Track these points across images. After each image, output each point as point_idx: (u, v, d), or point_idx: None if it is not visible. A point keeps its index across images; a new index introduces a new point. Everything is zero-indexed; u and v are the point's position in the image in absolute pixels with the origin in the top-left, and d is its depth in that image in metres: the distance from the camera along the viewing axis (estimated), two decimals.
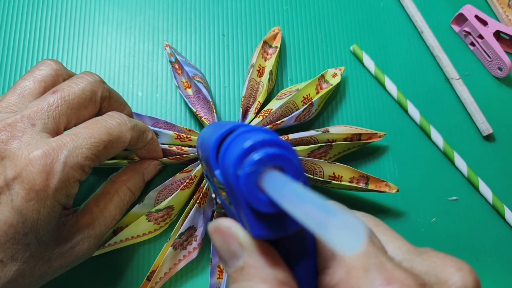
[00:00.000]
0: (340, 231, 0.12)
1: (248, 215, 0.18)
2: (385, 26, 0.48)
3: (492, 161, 0.44)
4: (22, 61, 0.43)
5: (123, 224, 0.38)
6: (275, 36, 0.44)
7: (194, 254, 0.37)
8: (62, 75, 0.32)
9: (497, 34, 0.47)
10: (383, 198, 0.42)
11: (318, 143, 0.39)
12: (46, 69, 0.31)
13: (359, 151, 0.42)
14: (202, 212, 0.37)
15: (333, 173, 0.38)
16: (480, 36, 0.46)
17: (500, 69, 0.46)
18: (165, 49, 0.44)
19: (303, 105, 0.41)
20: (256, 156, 0.17)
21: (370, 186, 0.39)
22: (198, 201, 0.36)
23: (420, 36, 0.47)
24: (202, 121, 0.39)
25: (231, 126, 0.20)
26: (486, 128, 0.44)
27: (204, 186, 0.36)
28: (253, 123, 0.38)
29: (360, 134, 0.40)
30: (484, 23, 0.46)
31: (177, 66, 0.43)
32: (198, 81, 0.39)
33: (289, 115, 0.40)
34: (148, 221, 0.37)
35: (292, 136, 0.38)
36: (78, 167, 0.27)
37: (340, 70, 0.43)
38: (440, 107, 0.45)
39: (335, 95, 0.44)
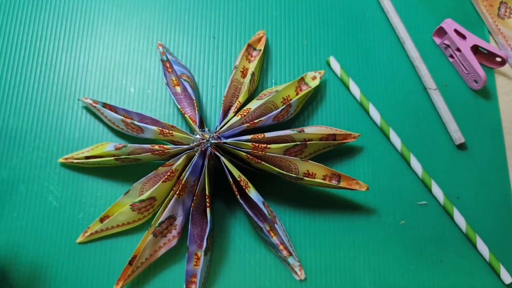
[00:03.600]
0: None
1: None
2: (368, 36, 0.50)
3: (462, 169, 0.46)
4: (22, 58, 0.46)
5: (109, 213, 0.41)
6: (259, 39, 0.46)
7: (174, 242, 0.40)
8: None
9: (476, 48, 0.48)
10: (356, 197, 0.44)
11: (294, 142, 0.41)
12: None
13: (335, 152, 0.45)
14: (181, 203, 0.39)
15: (307, 171, 0.40)
16: (458, 49, 0.48)
17: (476, 81, 0.47)
18: (158, 48, 0.46)
19: (282, 106, 0.43)
20: None
21: (342, 184, 0.41)
22: (177, 192, 0.38)
23: (402, 46, 0.49)
24: (186, 118, 0.41)
25: None
26: (458, 137, 0.45)
27: (183, 179, 0.38)
28: (231, 122, 0.40)
29: (335, 135, 0.42)
30: (463, 37, 0.48)
31: (168, 65, 0.45)
32: (184, 80, 0.42)
33: (266, 114, 0.42)
34: (132, 210, 0.40)
35: (268, 134, 0.40)
36: None
37: (319, 73, 0.46)
38: (417, 115, 0.47)
39: (314, 98, 0.47)
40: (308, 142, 0.41)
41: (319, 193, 0.43)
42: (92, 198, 0.42)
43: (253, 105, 0.42)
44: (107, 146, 0.41)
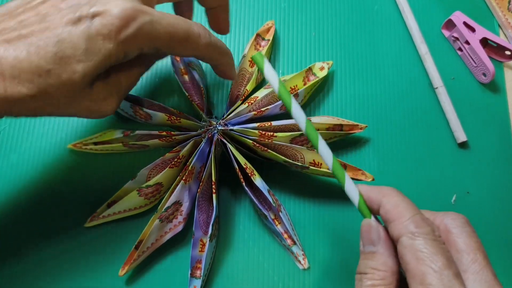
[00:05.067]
0: None
1: None
2: (376, 28, 0.50)
3: (470, 163, 0.46)
4: None
5: (116, 198, 0.41)
6: (268, 29, 0.47)
7: (179, 228, 0.40)
8: None
9: (485, 41, 0.48)
10: None
11: (301, 131, 0.41)
12: None
13: (341, 143, 0.45)
14: (187, 189, 0.39)
15: (313, 160, 0.41)
16: (467, 42, 0.48)
17: (484, 74, 0.47)
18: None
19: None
20: None
21: (348, 174, 0.41)
22: (184, 178, 0.38)
23: (410, 39, 0.49)
24: (194, 105, 0.41)
25: None
26: (460, 136, 0.46)
27: (190, 165, 0.38)
28: (238, 109, 0.41)
29: (342, 125, 0.43)
30: (472, 29, 0.48)
31: None
32: (192, 68, 0.42)
33: (273, 103, 0.42)
34: (139, 196, 0.40)
35: (275, 123, 0.40)
36: (147, 37, 0.30)
37: (327, 64, 0.46)
38: (423, 109, 0.47)
39: (322, 88, 0.47)
40: None
41: (325, 182, 0.44)
42: (99, 183, 0.43)
43: (261, 93, 0.42)
44: (116, 132, 0.42)
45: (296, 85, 0.44)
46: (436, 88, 0.47)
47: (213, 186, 0.39)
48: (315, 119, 0.42)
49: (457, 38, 0.49)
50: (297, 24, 0.49)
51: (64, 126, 0.44)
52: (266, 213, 0.39)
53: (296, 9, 0.50)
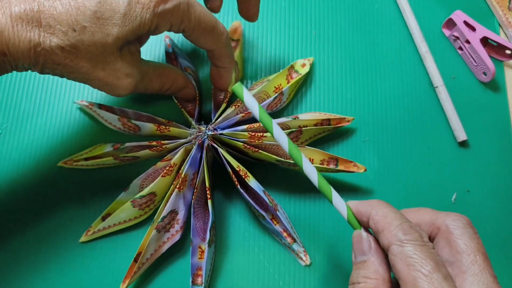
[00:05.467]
0: None
1: None
2: (377, 27, 0.50)
3: (469, 162, 0.46)
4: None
5: (110, 211, 0.41)
6: (235, 30, 0.47)
7: (177, 237, 0.40)
8: None
9: (485, 40, 0.48)
10: (360, 183, 0.44)
11: (290, 129, 0.41)
12: None
13: (341, 143, 0.45)
14: (182, 197, 0.39)
15: None
16: (468, 41, 0.48)
17: (485, 74, 0.47)
18: (165, 40, 0.46)
19: (273, 93, 0.43)
20: None
21: (340, 167, 0.41)
22: (178, 186, 0.38)
23: (410, 38, 0.49)
24: (183, 112, 0.41)
25: None
26: (461, 135, 0.46)
27: (182, 172, 0.38)
28: (226, 113, 0.41)
29: (329, 119, 0.43)
30: (473, 28, 0.48)
31: (172, 57, 0.45)
32: (189, 73, 0.43)
33: (261, 104, 0.42)
34: (133, 207, 0.40)
35: None
36: (180, 17, 0.32)
37: (309, 60, 0.46)
38: (423, 108, 0.47)
39: (322, 87, 0.47)
40: (303, 129, 0.41)
41: (329, 180, 0.43)
42: (92, 197, 0.42)
43: None
44: (106, 146, 0.41)
45: (280, 84, 0.44)
46: (436, 87, 0.47)
47: (208, 192, 0.38)
48: (302, 116, 0.42)
49: (457, 37, 0.49)
50: (298, 23, 0.49)
51: (54, 144, 0.44)
52: (263, 213, 0.39)
53: (297, 8, 0.50)
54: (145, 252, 0.38)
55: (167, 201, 0.38)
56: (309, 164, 0.32)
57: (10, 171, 0.43)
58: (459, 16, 0.48)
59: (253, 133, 0.39)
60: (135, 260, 0.38)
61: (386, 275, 0.28)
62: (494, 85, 0.49)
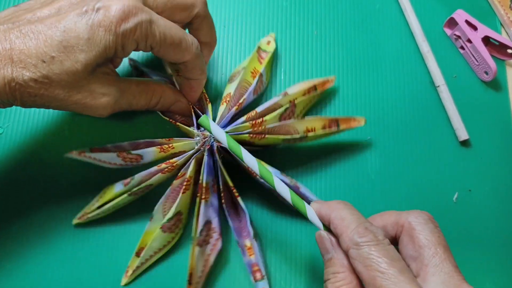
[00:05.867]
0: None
1: None
2: (378, 27, 0.50)
3: (470, 161, 0.47)
4: None
5: (142, 245, 0.40)
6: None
7: (219, 244, 0.40)
8: None
9: (487, 39, 0.49)
10: (363, 186, 0.45)
11: (282, 106, 0.42)
12: None
13: (342, 143, 0.46)
14: (210, 205, 0.39)
15: (306, 128, 0.42)
16: (469, 40, 0.48)
17: (486, 73, 0.48)
18: (129, 63, 0.46)
19: (253, 79, 0.44)
20: None
21: (342, 127, 0.43)
22: (203, 197, 0.38)
23: (412, 38, 0.50)
24: (179, 126, 0.41)
25: None
26: (462, 134, 0.46)
27: (203, 182, 0.38)
28: (220, 112, 0.41)
29: (315, 86, 0.44)
30: (474, 28, 0.49)
31: (144, 77, 0.44)
32: None
33: (245, 92, 0.43)
34: (163, 232, 0.39)
35: (259, 109, 0.41)
36: (144, 34, 0.32)
37: (271, 36, 0.47)
38: (425, 108, 0.48)
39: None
40: (296, 102, 0.42)
41: (331, 180, 0.45)
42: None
43: (230, 89, 0.42)
44: (115, 186, 0.40)
45: (255, 67, 0.45)
46: (438, 86, 0.48)
47: (234, 191, 0.39)
48: (290, 90, 0.43)
49: (459, 37, 0.50)
50: (299, 22, 0.50)
51: (55, 143, 0.44)
52: (238, 240, 0.40)
53: (298, 8, 0.50)
54: (196, 271, 0.38)
55: (198, 215, 0.38)
56: (280, 182, 0.35)
57: (11, 170, 0.43)
58: (460, 15, 0.49)
59: (254, 121, 0.40)
60: (189, 283, 0.38)
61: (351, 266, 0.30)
62: (496, 84, 0.49)
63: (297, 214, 0.42)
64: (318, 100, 0.47)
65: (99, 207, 0.41)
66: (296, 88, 0.43)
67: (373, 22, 0.51)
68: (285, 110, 0.41)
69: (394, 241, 0.33)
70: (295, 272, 0.41)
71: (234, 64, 0.48)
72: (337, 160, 0.45)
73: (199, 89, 0.41)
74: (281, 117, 0.42)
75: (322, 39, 0.49)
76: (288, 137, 0.40)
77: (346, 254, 0.30)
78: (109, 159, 0.41)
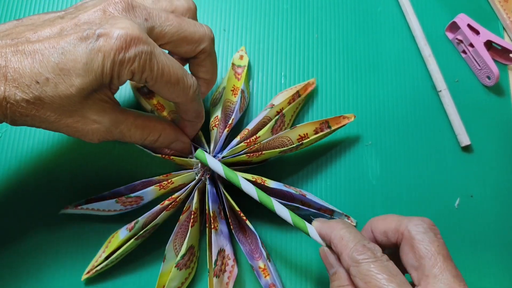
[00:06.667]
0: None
1: None
2: (380, 30, 0.50)
3: (472, 166, 0.46)
4: None
5: (160, 287, 0.39)
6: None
7: (235, 271, 0.39)
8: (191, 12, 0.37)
9: (489, 44, 0.48)
10: (364, 191, 0.45)
11: (272, 119, 0.42)
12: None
13: (343, 145, 0.46)
14: (220, 233, 0.39)
15: (299, 135, 0.41)
16: (471, 45, 0.48)
17: (488, 77, 0.47)
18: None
19: (235, 97, 0.43)
20: None
21: (333, 127, 0.42)
22: (212, 226, 0.37)
23: (413, 42, 0.49)
24: (173, 159, 0.40)
25: None
26: (464, 139, 0.46)
27: (210, 211, 0.37)
28: (212, 136, 0.40)
29: (298, 92, 0.44)
30: (476, 32, 0.48)
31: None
32: None
33: (232, 112, 0.42)
34: (179, 270, 0.38)
35: (250, 126, 0.40)
36: (142, 66, 0.31)
37: (242, 50, 0.47)
38: (426, 112, 0.47)
39: (325, 90, 0.47)
40: (283, 111, 0.42)
41: (331, 186, 0.45)
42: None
43: (217, 112, 0.42)
44: (119, 233, 0.39)
45: (234, 85, 0.44)
46: (440, 91, 0.47)
47: (241, 215, 0.38)
48: (275, 101, 0.43)
49: (461, 41, 0.49)
50: (300, 25, 0.49)
51: (54, 148, 0.43)
52: (251, 263, 0.39)
53: (299, 11, 0.50)
54: None
55: (210, 246, 0.38)
56: (279, 205, 0.36)
57: (9, 175, 0.42)
58: (462, 19, 0.48)
59: (248, 140, 0.39)
60: None
61: None
62: (498, 89, 0.49)
63: None
64: (317, 106, 0.47)
65: (106, 258, 0.39)
66: (280, 98, 0.43)
67: (374, 26, 0.50)
68: (275, 122, 0.41)
69: (395, 247, 0.33)
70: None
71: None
72: (337, 165, 0.45)
73: (193, 132, 0.39)
74: (273, 129, 0.41)
75: (323, 42, 0.49)
76: (284, 148, 0.39)
77: (347, 272, 0.31)
78: (108, 206, 0.39)
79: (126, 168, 0.44)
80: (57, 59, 0.29)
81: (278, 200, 0.38)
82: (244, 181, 0.36)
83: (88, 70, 0.30)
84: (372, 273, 0.29)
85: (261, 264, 0.39)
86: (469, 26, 0.48)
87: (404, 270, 0.32)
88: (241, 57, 0.46)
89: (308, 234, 0.35)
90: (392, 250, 0.34)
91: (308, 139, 0.41)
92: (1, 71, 0.29)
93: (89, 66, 0.30)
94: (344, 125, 0.43)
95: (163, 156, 0.39)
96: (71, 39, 0.30)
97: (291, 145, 0.41)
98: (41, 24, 0.32)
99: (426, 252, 0.30)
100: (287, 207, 0.39)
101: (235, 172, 0.36)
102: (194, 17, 0.38)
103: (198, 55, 0.36)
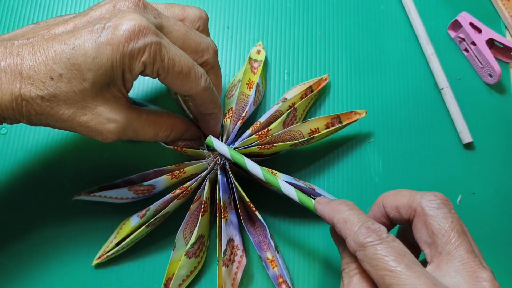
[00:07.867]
0: None
1: None
2: (382, 28, 0.50)
3: (474, 164, 0.46)
4: None
5: (170, 275, 0.40)
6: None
7: (244, 261, 0.40)
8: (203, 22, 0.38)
9: (491, 42, 0.48)
10: (367, 189, 0.45)
11: (284, 113, 0.42)
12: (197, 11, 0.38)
13: (345, 144, 0.46)
14: (230, 223, 0.39)
15: (310, 129, 0.42)
16: (473, 43, 0.48)
17: (490, 75, 0.48)
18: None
19: (250, 91, 0.44)
20: None
21: (344, 122, 0.43)
22: (223, 216, 0.38)
23: (416, 40, 0.50)
24: (185, 151, 0.40)
25: None
26: (466, 137, 0.46)
27: (220, 201, 0.38)
28: (226, 128, 0.41)
29: (310, 87, 0.44)
30: (479, 30, 0.48)
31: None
32: None
33: (246, 105, 0.43)
34: (189, 258, 0.39)
35: (262, 119, 0.41)
36: (152, 57, 0.31)
37: (259, 45, 0.47)
38: (428, 110, 0.48)
39: (328, 88, 0.48)
40: (296, 105, 0.42)
41: (334, 182, 0.45)
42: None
43: (231, 103, 0.42)
44: (131, 220, 0.40)
45: (250, 79, 0.44)
46: (442, 89, 0.47)
47: (251, 206, 0.38)
48: (288, 95, 0.43)
49: (463, 39, 0.49)
50: (303, 24, 0.49)
51: (59, 143, 0.44)
52: (260, 254, 0.40)
53: (302, 9, 0.50)
54: None
55: (220, 235, 0.38)
56: (285, 183, 0.36)
57: (15, 171, 0.43)
58: (465, 18, 0.48)
59: (260, 132, 0.40)
60: None
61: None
62: (500, 87, 0.49)
63: (315, 219, 0.42)
64: (322, 103, 0.47)
65: (117, 244, 0.40)
66: (293, 92, 0.43)
67: (377, 24, 0.50)
68: (287, 115, 0.41)
69: (408, 223, 0.32)
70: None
71: (238, 65, 0.48)
72: (340, 162, 0.45)
73: (216, 124, 0.39)
74: (284, 123, 0.41)
75: (326, 40, 0.49)
76: (296, 141, 0.40)
77: (354, 256, 0.30)
78: (121, 194, 0.40)
79: (137, 160, 0.44)
80: (68, 54, 0.30)
81: (292, 182, 0.38)
82: (249, 162, 0.36)
83: (98, 64, 0.30)
84: (379, 256, 0.27)
85: (269, 255, 0.40)
86: (471, 24, 0.48)
87: (417, 246, 0.32)
88: (258, 52, 0.47)
89: (315, 212, 0.34)
90: (406, 226, 0.33)
91: (319, 133, 0.41)
92: (17, 69, 0.30)
93: (98, 60, 0.30)
94: (355, 121, 0.43)
95: (175, 148, 0.39)
96: (82, 34, 0.30)
97: (302, 138, 0.41)
98: (56, 23, 0.33)
99: (439, 228, 0.29)
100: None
101: (241, 154, 0.37)
102: (205, 27, 0.38)
103: (202, 67, 0.36)
